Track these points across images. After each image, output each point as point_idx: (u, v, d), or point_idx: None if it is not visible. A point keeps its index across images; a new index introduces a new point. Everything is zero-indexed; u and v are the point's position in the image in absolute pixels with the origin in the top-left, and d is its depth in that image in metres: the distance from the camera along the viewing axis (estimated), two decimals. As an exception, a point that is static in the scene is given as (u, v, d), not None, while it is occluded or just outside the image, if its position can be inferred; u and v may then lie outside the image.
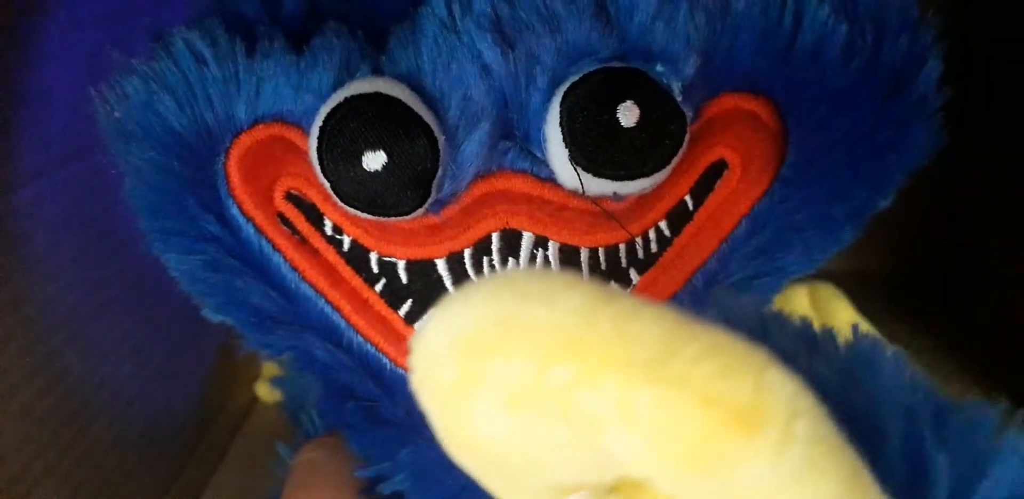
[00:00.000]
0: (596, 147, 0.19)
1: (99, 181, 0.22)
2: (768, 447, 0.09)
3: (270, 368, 0.39)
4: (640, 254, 0.21)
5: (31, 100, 0.23)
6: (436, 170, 0.19)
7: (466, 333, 0.10)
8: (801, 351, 0.12)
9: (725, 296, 0.13)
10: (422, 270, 0.21)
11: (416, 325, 0.22)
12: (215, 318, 0.23)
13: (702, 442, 0.09)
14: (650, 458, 0.09)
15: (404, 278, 0.22)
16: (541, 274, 0.10)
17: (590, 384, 0.09)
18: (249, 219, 0.22)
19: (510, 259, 0.20)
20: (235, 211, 0.22)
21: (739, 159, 0.21)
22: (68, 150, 0.25)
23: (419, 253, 0.21)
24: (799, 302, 0.34)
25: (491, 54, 0.19)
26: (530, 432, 0.10)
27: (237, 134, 0.21)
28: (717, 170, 0.21)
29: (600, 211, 0.20)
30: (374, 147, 0.19)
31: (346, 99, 0.19)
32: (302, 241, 0.22)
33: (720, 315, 0.12)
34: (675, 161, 0.19)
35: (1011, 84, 0.32)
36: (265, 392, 0.39)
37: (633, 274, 0.21)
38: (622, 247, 0.21)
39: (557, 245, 0.20)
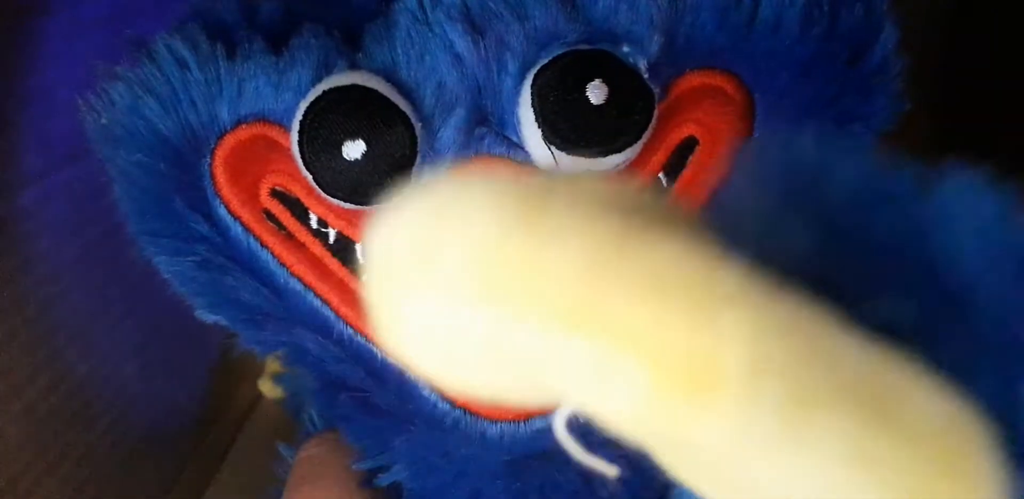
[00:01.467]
0: (568, 125, 0.19)
1: (101, 182, 0.22)
2: (727, 412, 0.07)
3: (274, 364, 0.39)
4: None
5: (33, 101, 0.24)
6: (415, 157, 0.20)
7: (388, 260, 0.08)
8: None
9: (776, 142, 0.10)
10: None
11: None
12: (208, 318, 0.23)
13: (646, 403, 0.07)
14: (598, 413, 0.08)
15: (390, 267, 0.22)
16: (460, 183, 0.08)
17: (514, 327, 0.08)
18: (236, 218, 0.22)
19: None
20: (222, 211, 0.22)
21: (708, 135, 0.21)
22: (70, 151, 0.25)
23: (403, 241, 0.21)
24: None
25: (462, 43, 0.20)
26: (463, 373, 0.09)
27: (221, 135, 0.21)
28: (688, 147, 0.21)
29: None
30: (353, 136, 0.19)
31: (324, 92, 0.20)
32: (289, 236, 0.22)
33: (769, 164, 0.10)
34: (645, 136, 0.20)
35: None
36: (268, 388, 0.39)
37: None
38: None
39: None
